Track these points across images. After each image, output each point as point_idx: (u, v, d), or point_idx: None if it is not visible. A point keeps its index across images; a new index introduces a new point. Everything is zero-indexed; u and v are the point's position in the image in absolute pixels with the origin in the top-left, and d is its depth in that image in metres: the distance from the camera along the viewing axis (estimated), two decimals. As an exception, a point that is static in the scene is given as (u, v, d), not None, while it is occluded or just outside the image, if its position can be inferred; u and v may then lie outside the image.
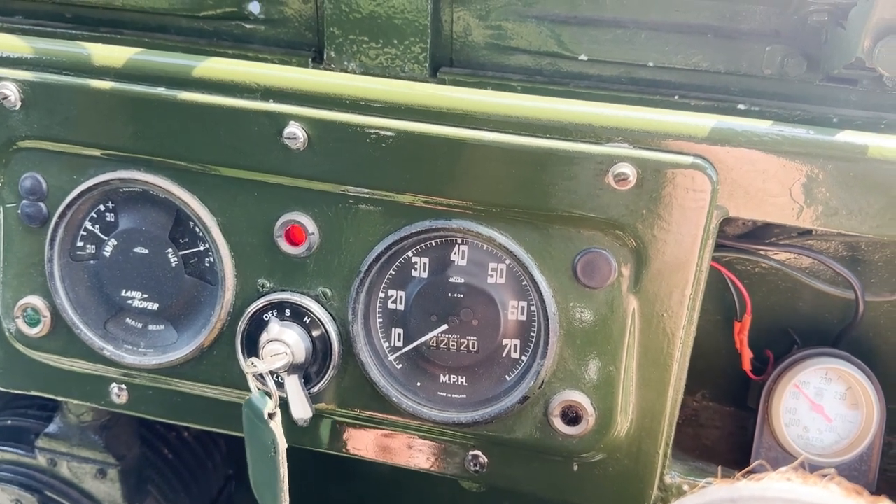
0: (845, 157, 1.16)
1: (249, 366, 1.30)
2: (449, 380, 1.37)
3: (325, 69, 1.43)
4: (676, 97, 1.36)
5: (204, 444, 2.13)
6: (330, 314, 1.37)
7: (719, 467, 1.33)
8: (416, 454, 1.45)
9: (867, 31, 1.11)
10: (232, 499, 2.26)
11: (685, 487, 1.35)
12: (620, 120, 1.20)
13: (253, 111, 1.28)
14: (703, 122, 1.19)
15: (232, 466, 2.24)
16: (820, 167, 1.17)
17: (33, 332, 1.48)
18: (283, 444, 1.29)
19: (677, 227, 1.21)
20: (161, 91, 1.31)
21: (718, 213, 1.22)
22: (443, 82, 1.41)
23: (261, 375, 1.31)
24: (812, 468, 1.38)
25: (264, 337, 1.34)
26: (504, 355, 1.35)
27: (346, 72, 1.42)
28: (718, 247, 1.29)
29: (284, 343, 1.32)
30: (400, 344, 1.37)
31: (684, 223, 1.21)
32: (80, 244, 1.44)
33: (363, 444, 1.46)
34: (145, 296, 1.43)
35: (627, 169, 1.19)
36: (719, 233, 1.25)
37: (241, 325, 1.39)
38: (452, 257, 1.33)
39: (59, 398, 1.62)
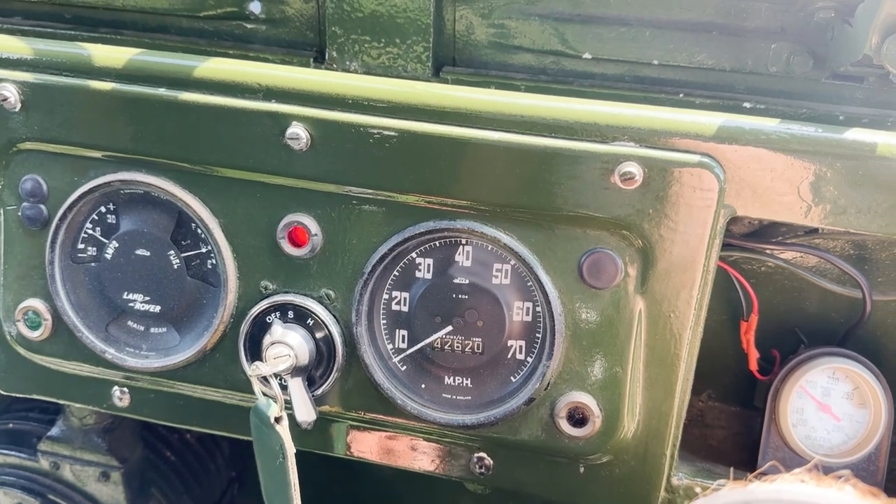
0: (854, 155, 1.15)
1: (253, 369, 1.29)
2: (454, 381, 1.36)
3: (327, 69, 1.42)
4: (681, 95, 1.35)
5: (206, 447, 2.12)
6: (333, 316, 1.36)
7: (731, 469, 1.32)
8: (421, 456, 1.44)
9: (875, 27, 1.10)
10: (234, 501, 2.25)
11: (697, 489, 1.34)
12: (626, 118, 1.19)
13: (255, 112, 1.27)
14: (711, 120, 1.18)
15: (234, 469, 2.23)
16: (828, 165, 1.16)
17: (34, 335, 1.47)
18: (291, 448, 1.28)
19: (684, 227, 1.20)
20: (162, 92, 1.30)
21: (726, 212, 1.21)
22: (445, 82, 1.40)
23: (264, 378, 1.30)
24: (822, 469, 1.37)
25: (267, 339, 1.33)
26: (509, 356, 1.34)
27: (348, 72, 1.41)
28: (724, 246, 1.28)
29: (288, 345, 1.31)
30: (404, 345, 1.36)
31: (691, 222, 1.20)
32: (81, 246, 1.43)
33: (367, 446, 1.45)
34: (147, 298, 1.42)
35: (634, 168, 1.18)
36: (725, 232, 1.24)
37: (244, 328, 1.38)
38: (457, 258, 1.32)
39: (61, 402, 1.61)
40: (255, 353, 1.38)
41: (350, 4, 1.37)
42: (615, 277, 1.25)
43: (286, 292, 1.37)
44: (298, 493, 1.29)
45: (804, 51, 1.29)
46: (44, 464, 1.85)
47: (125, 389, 1.51)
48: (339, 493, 2.31)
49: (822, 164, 1.17)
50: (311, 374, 1.38)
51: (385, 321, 1.36)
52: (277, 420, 1.29)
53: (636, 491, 1.36)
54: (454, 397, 1.36)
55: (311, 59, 1.44)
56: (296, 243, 1.34)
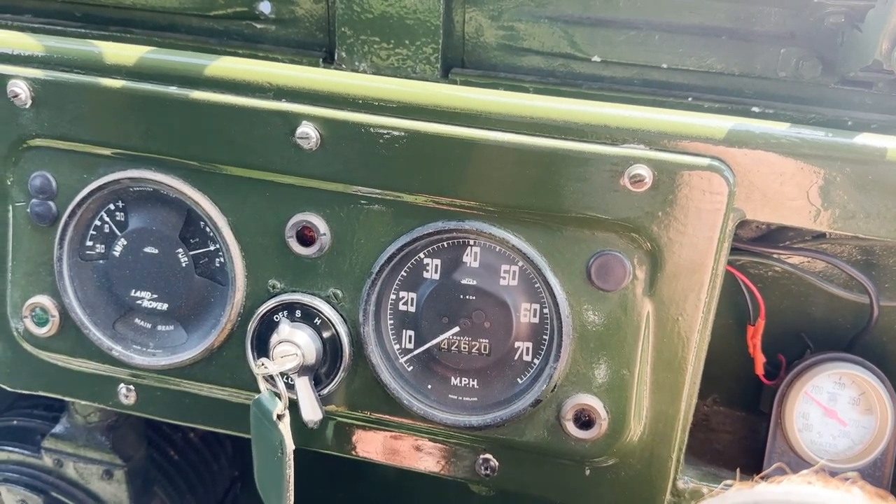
0: (864, 160, 1.15)
1: (260, 367, 1.29)
2: (460, 382, 1.36)
3: (336, 69, 1.42)
4: (690, 99, 1.35)
5: (210, 446, 2.12)
6: (341, 315, 1.36)
7: (738, 470, 1.32)
8: (426, 457, 1.44)
9: (885, 33, 1.10)
10: (237, 500, 2.25)
11: (704, 490, 1.34)
12: (637, 121, 1.19)
13: (265, 111, 1.27)
14: (721, 123, 1.18)
15: (237, 468, 2.23)
16: (838, 170, 1.16)
17: (41, 331, 1.48)
18: (290, 446, 1.28)
19: (693, 230, 1.20)
20: (173, 90, 1.30)
21: (735, 215, 1.21)
22: (454, 83, 1.40)
23: (271, 377, 1.30)
24: (829, 472, 1.37)
25: (275, 338, 1.33)
26: (516, 358, 1.34)
27: (357, 72, 1.41)
28: (732, 250, 1.28)
29: (295, 344, 1.32)
30: (411, 346, 1.36)
31: (700, 225, 1.20)
32: (89, 243, 1.43)
33: (373, 446, 1.45)
34: (155, 296, 1.42)
35: (643, 170, 1.18)
36: (732, 236, 1.24)
37: (252, 326, 1.38)
38: (464, 259, 1.32)
39: (67, 399, 1.61)
40: (263, 352, 1.38)
41: (360, 5, 1.37)
42: (623, 280, 1.25)
43: (294, 291, 1.37)
44: (293, 491, 1.30)
45: (813, 56, 1.29)
46: (47, 461, 1.85)
47: (131, 387, 1.51)
48: (341, 495, 2.31)
49: (831, 169, 1.17)
50: (317, 373, 1.38)
51: (392, 321, 1.36)
52: (280, 417, 1.29)
53: (641, 494, 1.35)
54: (460, 398, 1.36)
55: (321, 60, 1.44)
56: (304, 242, 1.34)
